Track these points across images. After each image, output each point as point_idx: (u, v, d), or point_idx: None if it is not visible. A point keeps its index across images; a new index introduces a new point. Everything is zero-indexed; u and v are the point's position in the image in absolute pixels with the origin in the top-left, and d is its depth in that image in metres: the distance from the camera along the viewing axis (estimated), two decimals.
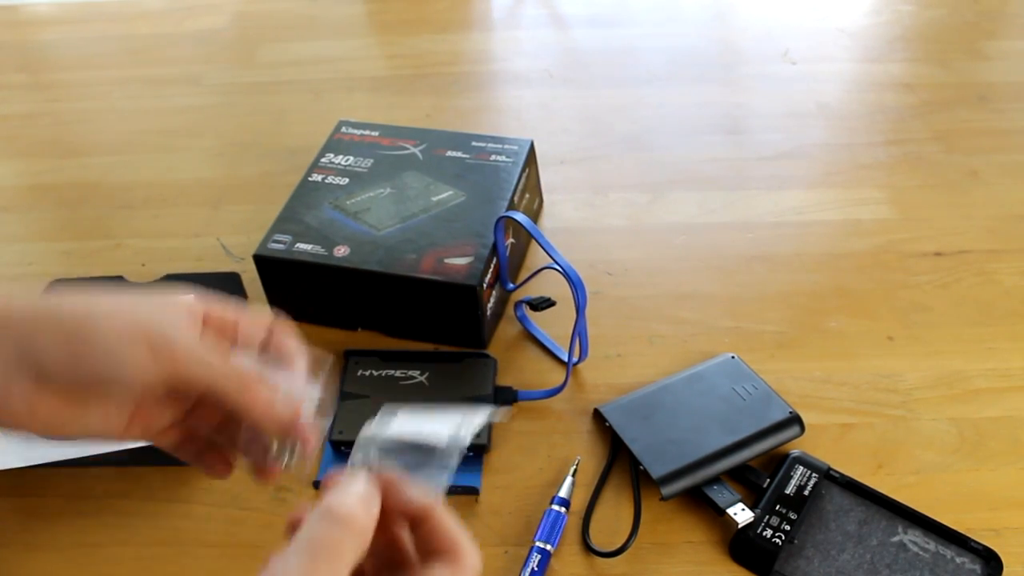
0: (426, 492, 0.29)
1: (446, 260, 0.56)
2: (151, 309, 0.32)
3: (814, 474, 0.50)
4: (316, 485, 0.51)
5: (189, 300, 0.34)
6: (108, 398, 0.32)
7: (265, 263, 0.59)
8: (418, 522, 0.29)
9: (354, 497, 0.27)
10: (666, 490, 0.48)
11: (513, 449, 0.53)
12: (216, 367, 0.32)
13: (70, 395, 0.31)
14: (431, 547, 0.29)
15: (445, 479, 0.31)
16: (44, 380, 0.31)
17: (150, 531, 0.50)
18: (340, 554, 0.26)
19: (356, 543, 0.26)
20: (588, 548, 0.48)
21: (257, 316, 0.36)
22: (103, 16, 1.05)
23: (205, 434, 0.37)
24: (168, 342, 0.31)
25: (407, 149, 0.67)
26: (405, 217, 0.60)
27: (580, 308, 0.52)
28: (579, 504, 0.50)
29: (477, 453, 0.52)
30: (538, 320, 0.61)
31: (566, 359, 0.56)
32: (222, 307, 0.35)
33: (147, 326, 0.31)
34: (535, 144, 0.68)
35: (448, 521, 0.29)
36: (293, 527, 0.28)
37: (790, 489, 0.49)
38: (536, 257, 0.67)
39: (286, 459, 0.35)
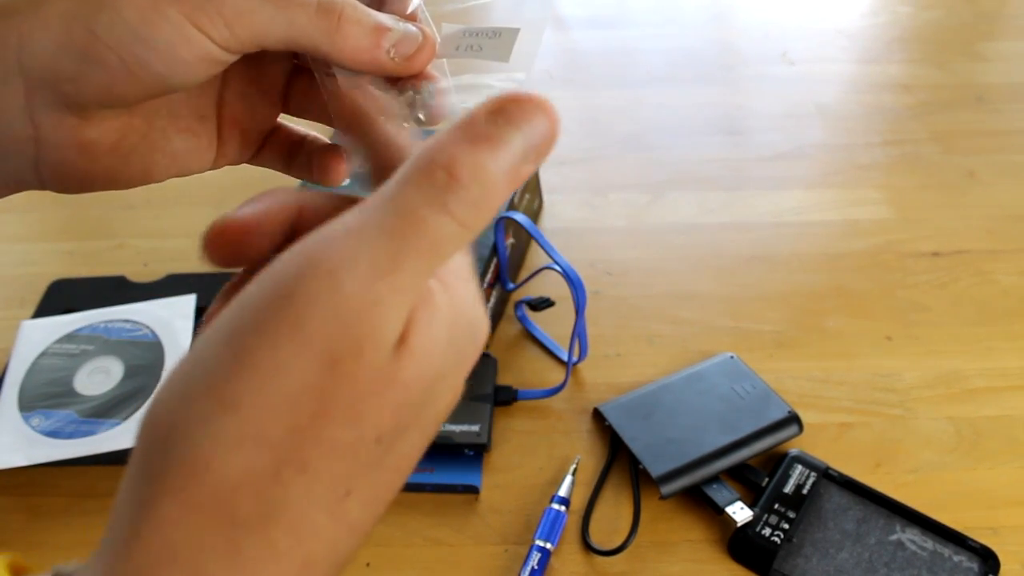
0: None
1: None
2: None
3: (812, 473, 0.50)
4: None
5: None
6: (167, 104, 0.26)
7: None
8: None
9: (468, 149, 0.20)
10: (665, 489, 0.48)
11: (513, 448, 0.53)
12: (283, 8, 0.23)
13: (117, 111, 0.24)
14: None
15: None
16: (71, 99, 0.23)
17: None
18: (416, 247, 0.19)
19: (455, 235, 0.19)
20: (588, 547, 0.48)
21: None
22: None
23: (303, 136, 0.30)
24: None
25: None
26: None
27: (580, 308, 0.52)
28: (579, 503, 0.50)
29: (477, 452, 0.52)
30: (538, 320, 0.61)
31: (566, 359, 0.56)
32: None
33: None
34: None
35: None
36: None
37: (789, 488, 0.49)
38: (536, 257, 0.68)
39: (416, 114, 0.27)
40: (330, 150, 0.31)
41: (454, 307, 0.20)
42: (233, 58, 0.24)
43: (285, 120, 0.32)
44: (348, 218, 0.19)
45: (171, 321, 0.58)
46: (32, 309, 0.62)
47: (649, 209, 0.72)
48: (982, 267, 0.65)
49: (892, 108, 0.84)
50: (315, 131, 0.32)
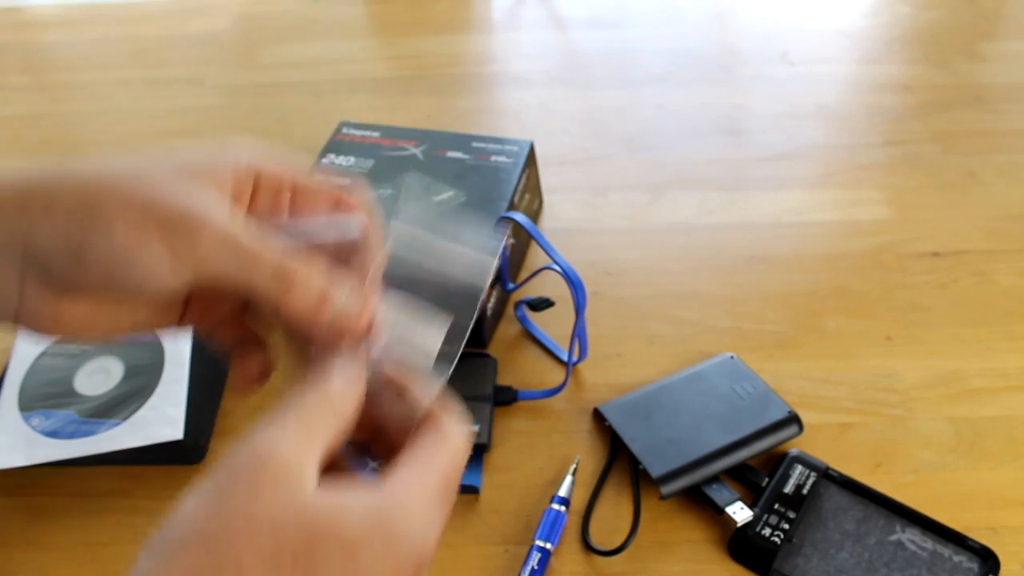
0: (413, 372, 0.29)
1: None
2: (175, 183, 0.26)
3: (812, 473, 0.50)
4: None
5: (234, 160, 0.28)
6: (137, 300, 0.28)
7: None
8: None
9: (341, 380, 0.27)
10: (665, 489, 0.48)
11: (513, 448, 0.54)
12: (249, 259, 0.26)
13: (92, 298, 0.27)
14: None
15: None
16: (55, 284, 0.26)
17: (153, 530, 0.50)
18: (315, 428, 0.26)
19: (333, 422, 0.26)
20: (588, 547, 0.48)
21: (321, 181, 0.29)
22: (106, 18, 1.05)
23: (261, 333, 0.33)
24: (190, 231, 0.26)
25: (408, 150, 0.67)
26: None
27: (580, 308, 0.52)
28: (579, 503, 0.50)
29: (477, 452, 0.52)
30: (538, 320, 0.61)
31: (566, 359, 0.56)
32: (278, 165, 0.29)
33: (166, 211, 0.26)
34: (535, 145, 0.68)
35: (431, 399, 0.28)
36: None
37: (789, 488, 0.49)
38: (536, 257, 0.68)
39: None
40: (254, 362, 0.33)
41: (387, 511, 0.25)
42: (196, 285, 0.28)
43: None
44: None
45: None
46: None
47: (649, 209, 0.72)
48: (982, 267, 0.65)
49: (892, 108, 0.84)
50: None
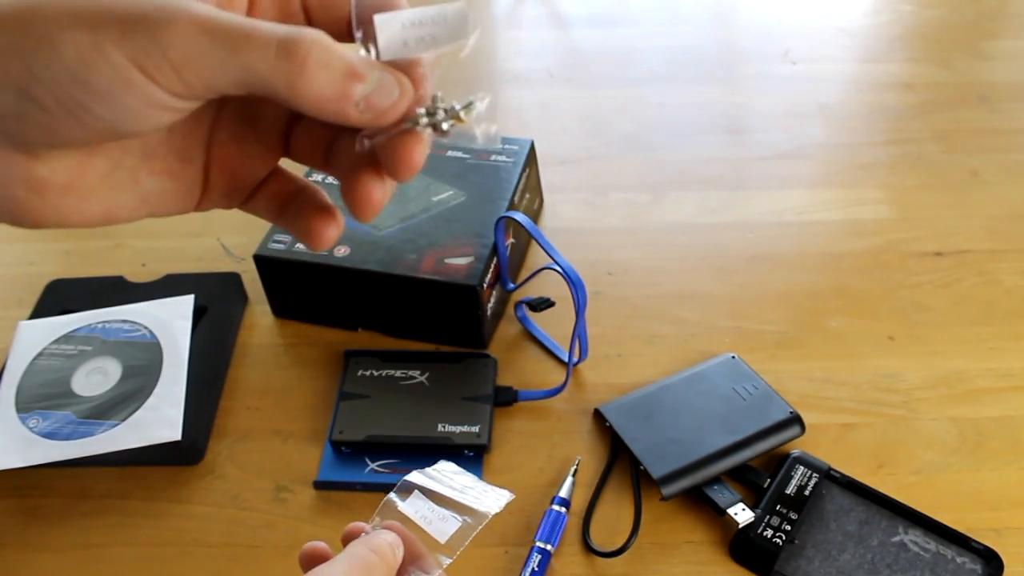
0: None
1: (446, 260, 0.56)
2: None
3: (814, 474, 0.50)
4: (316, 485, 0.51)
5: None
6: (130, 151, 0.23)
7: (265, 263, 0.59)
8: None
9: (387, 540, 0.33)
10: (666, 490, 0.48)
11: (513, 449, 0.53)
12: (240, 42, 0.20)
13: (66, 149, 0.22)
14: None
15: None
16: (20, 144, 0.22)
17: (151, 531, 0.50)
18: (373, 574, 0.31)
19: (385, 573, 0.31)
20: (588, 548, 0.48)
21: None
22: None
23: (302, 187, 0.27)
24: (157, 27, 0.20)
25: None
26: (405, 217, 0.60)
27: (580, 308, 0.52)
28: (579, 504, 0.50)
29: (477, 453, 0.52)
30: (538, 320, 0.61)
31: (566, 359, 0.56)
32: None
33: (123, 9, 0.20)
34: (535, 144, 0.68)
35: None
36: (346, 538, 0.33)
37: (790, 489, 0.49)
38: (536, 257, 0.67)
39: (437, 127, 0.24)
40: (321, 213, 0.27)
41: None
42: (192, 105, 0.22)
43: (285, 164, 0.29)
44: None
45: (169, 321, 0.58)
46: (29, 309, 0.61)
47: (650, 209, 0.72)
48: (985, 267, 0.65)
49: (894, 107, 0.83)
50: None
